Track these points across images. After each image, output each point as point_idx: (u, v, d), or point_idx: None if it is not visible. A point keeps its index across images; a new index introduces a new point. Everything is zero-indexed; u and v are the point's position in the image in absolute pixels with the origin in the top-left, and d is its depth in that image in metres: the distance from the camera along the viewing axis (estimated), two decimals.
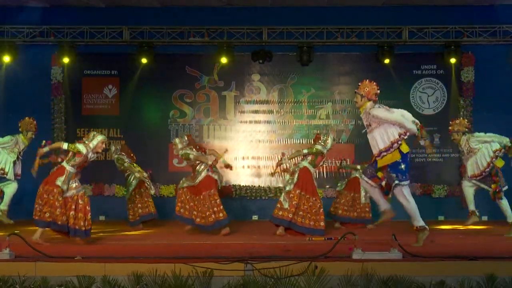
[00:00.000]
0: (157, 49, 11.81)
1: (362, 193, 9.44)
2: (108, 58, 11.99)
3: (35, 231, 7.37)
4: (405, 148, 6.83)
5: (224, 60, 11.59)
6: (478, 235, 8.57)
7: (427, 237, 7.00)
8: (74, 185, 7.45)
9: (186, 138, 9.10)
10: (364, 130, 7.22)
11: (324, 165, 8.77)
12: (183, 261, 5.50)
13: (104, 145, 7.66)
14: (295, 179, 8.50)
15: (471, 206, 8.68)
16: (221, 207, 8.60)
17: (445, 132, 10.10)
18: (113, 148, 10.11)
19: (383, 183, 6.99)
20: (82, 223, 7.32)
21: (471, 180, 8.66)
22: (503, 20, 11.56)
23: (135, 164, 9.95)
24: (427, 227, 7.02)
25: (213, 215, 8.52)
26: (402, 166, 6.85)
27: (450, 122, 9.00)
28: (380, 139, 6.84)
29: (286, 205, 8.38)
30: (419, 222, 6.98)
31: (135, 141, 11.41)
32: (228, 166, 9.14)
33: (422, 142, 7.28)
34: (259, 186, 11.82)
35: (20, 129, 9.14)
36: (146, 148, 11.54)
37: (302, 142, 11.80)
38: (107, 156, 11.18)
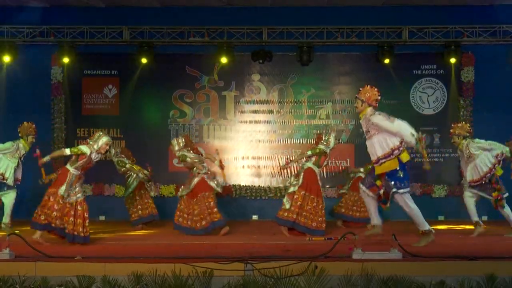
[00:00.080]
0: (157, 49, 11.82)
1: None
2: (108, 58, 11.99)
3: (35, 231, 7.36)
4: (405, 157, 6.75)
5: (224, 60, 11.60)
6: (478, 235, 8.56)
7: (432, 241, 6.90)
8: (75, 190, 7.38)
9: (183, 139, 9.10)
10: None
11: (324, 165, 8.77)
12: (183, 261, 5.49)
13: (107, 147, 7.59)
14: (300, 181, 8.51)
15: (475, 217, 8.52)
16: (215, 209, 8.59)
17: (445, 132, 10.10)
18: (113, 151, 10.09)
19: (381, 191, 6.91)
20: (81, 229, 7.26)
21: (472, 189, 8.55)
22: (503, 20, 11.56)
23: (135, 166, 9.94)
24: (432, 230, 6.93)
25: (208, 217, 8.53)
26: (400, 174, 6.74)
27: (452, 125, 8.86)
28: (379, 146, 6.74)
29: (287, 206, 8.39)
30: (424, 226, 6.89)
31: (135, 141, 11.44)
32: (221, 166, 9.22)
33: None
34: (259, 186, 11.82)
35: (20, 134, 9.09)
36: (146, 148, 11.53)
37: (302, 142, 11.81)
38: (106, 156, 11.16)
